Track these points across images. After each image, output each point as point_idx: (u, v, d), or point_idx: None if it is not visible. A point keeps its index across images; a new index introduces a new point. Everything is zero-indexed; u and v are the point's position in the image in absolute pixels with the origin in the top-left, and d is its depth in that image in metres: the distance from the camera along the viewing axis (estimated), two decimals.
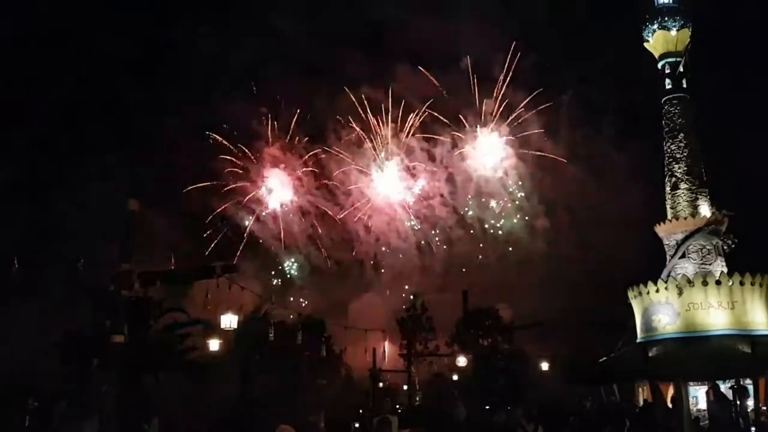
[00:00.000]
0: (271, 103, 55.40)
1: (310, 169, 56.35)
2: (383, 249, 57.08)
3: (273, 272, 56.33)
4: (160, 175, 47.71)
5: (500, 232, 57.06)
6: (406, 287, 54.02)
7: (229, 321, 23.20)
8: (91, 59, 46.87)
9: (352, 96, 53.89)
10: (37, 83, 44.02)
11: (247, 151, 54.94)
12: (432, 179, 56.46)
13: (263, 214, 55.89)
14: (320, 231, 56.20)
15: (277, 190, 56.45)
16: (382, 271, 56.82)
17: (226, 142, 54.04)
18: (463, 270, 55.72)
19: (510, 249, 56.23)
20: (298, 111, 55.12)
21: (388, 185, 56.59)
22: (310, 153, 55.90)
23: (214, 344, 24.06)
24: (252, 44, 53.39)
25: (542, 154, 54.47)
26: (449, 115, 54.89)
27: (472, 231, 56.74)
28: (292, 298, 53.41)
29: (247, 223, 55.41)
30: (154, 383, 21.62)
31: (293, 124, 55.33)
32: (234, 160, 54.58)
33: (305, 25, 54.72)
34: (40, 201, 41.07)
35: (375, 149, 55.93)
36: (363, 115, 54.98)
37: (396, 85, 54.74)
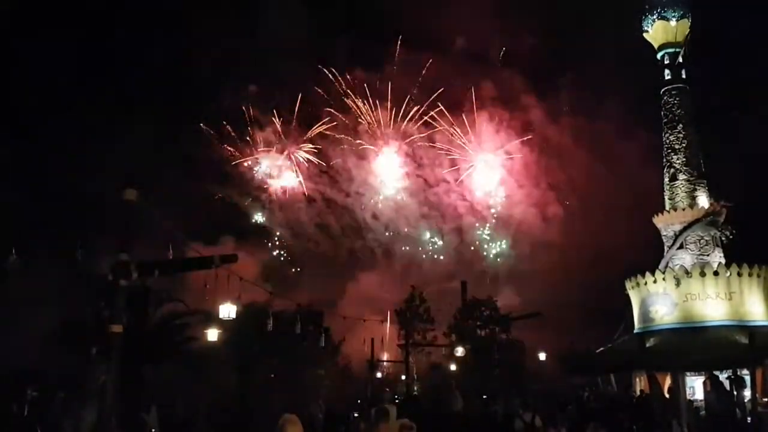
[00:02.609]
0: (267, 89, 55.11)
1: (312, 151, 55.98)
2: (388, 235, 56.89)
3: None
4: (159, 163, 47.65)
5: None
6: (409, 276, 53.81)
7: (227, 311, 23.21)
8: (84, 46, 46.72)
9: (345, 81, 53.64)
10: (33, 68, 43.84)
11: (246, 137, 54.76)
12: (433, 166, 56.25)
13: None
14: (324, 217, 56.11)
15: (279, 175, 56.27)
16: (377, 255, 56.64)
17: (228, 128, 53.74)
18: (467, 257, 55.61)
19: (510, 239, 56.26)
20: (300, 95, 54.71)
21: (389, 171, 56.30)
22: (308, 138, 55.63)
23: (212, 334, 24.07)
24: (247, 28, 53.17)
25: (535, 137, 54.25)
26: (447, 101, 54.76)
27: (473, 218, 56.62)
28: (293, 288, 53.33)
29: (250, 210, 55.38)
30: (152, 372, 21.65)
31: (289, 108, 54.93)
32: (232, 146, 54.45)
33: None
34: (38, 188, 41.00)
35: (373, 134, 55.63)
36: (360, 100, 54.81)
37: (393, 70, 54.58)
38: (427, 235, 57.11)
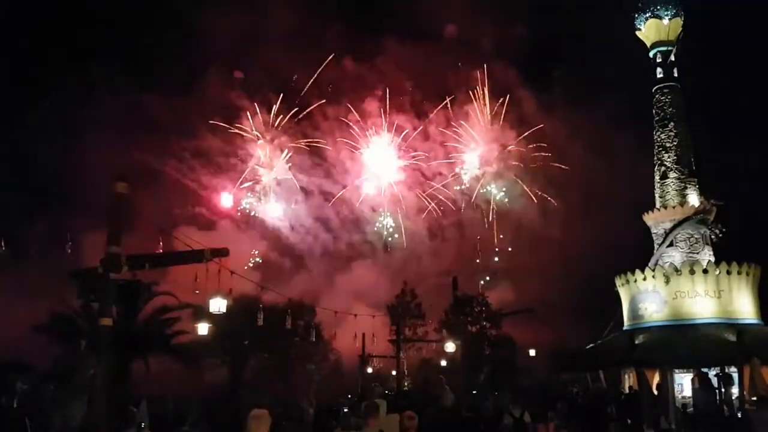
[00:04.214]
0: (254, 77, 54.59)
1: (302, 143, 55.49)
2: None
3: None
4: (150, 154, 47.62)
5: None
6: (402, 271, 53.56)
7: (218, 305, 23.12)
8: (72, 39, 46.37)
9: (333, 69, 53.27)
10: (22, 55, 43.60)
11: (234, 128, 54.24)
12: (427, 159, 55.82)
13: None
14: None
15: (269, 165, 55.79)
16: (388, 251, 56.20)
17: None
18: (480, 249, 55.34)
19: (501, 236, 56.24)
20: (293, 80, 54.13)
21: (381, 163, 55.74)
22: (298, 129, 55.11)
23: (203, 328, 24.01)
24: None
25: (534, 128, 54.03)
26: (439, 90, 54.52)
27: (469, 212, 56.29)
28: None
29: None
30: (142, 366, 21.61)
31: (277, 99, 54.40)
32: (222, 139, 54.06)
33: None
34: (28, 181, 40.88)
35: (365, 125, 55.16)
36: (350, 90, 54.43)
37: (383, 58, 54.27)
38: (422, 229, 57.03)
